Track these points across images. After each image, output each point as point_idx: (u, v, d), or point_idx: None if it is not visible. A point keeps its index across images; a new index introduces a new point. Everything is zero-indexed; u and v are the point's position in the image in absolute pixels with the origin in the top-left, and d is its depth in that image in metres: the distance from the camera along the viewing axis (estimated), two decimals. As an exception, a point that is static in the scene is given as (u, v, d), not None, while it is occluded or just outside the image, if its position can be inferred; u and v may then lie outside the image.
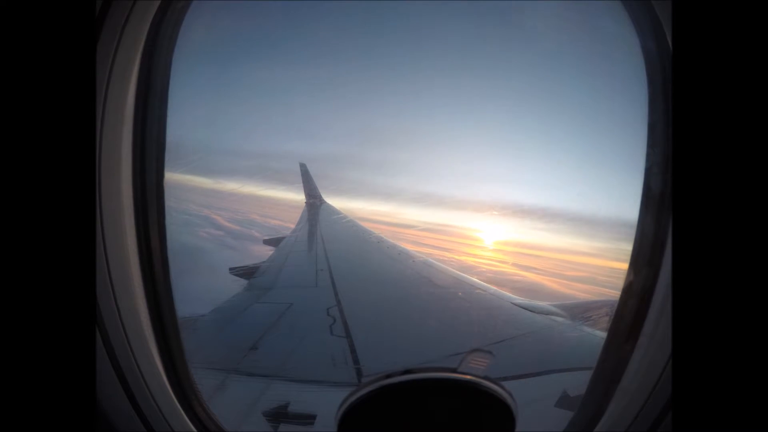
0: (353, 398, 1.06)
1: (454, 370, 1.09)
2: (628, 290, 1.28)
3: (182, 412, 1.25)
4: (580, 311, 5.19)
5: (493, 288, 6.73)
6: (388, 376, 1.07)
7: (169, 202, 1.24)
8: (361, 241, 11.05)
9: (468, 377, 1.08)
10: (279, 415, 2.90)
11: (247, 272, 7.74)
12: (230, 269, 8.01)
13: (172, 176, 1.26)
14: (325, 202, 16.52)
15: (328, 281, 6.68)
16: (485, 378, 1.08)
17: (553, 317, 5.18)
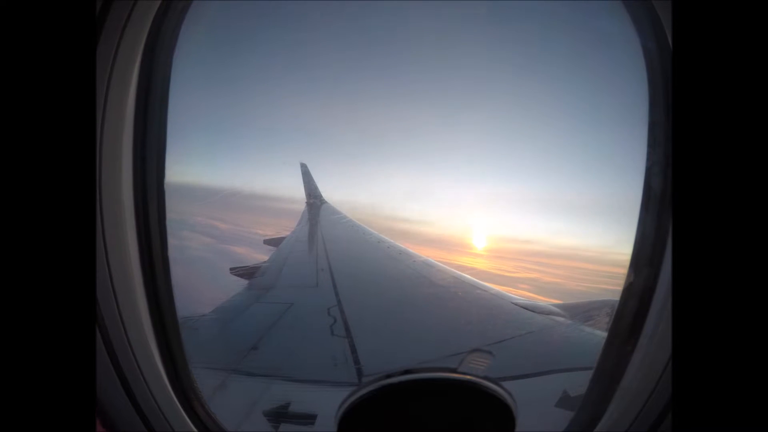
0: (353, 398, 1.06)
1: (454, 370, 1.09)
2: (628, 290, 1.28)
3: (182, 412, 1.25)
4: (580, 311, 5.18)
5: (493, 288, 6.72)
6: (388, 376, 1.07)
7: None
8: (361, 241, 11.05)
9: (468, 377, 1.08)
10: (279, 414, 2.90)
11: (247, 272, 7.74)
12: (231, 269, 8.01)
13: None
14: (326, 202, 16.51)
15: (329, 281, 6.68)
16: (485, 378, 1.08)
17: (553, 317, 5.17)
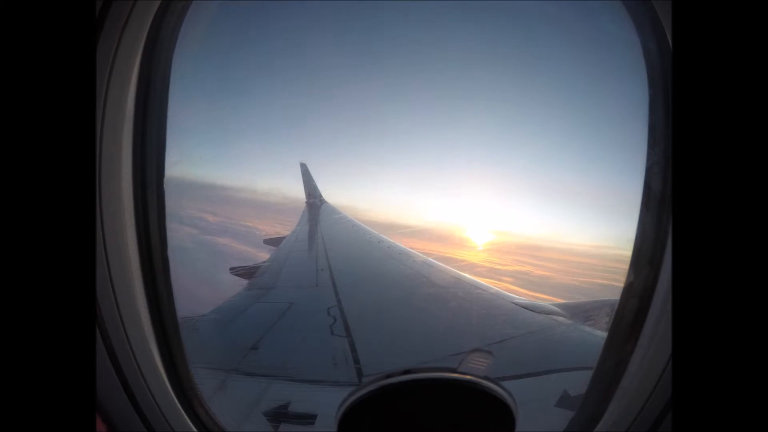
0: (353, 398, 1.06)
1: (454, 370, 1.09)
2: (628, 290, 1.28)
3: (182, 412, 1.25)
4: (580, 311, 5.19)
5: (493, 288, 6.73)
6: (388, 376, 1.07)
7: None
8: (361, 241, 11.05)
9: (468, 377, 1.08)
10: (279, 414, 2.91)
11: (247, 272, 7.75)
12: (231, 269, 8.02)
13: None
14: (326, 202, 16.52)
15: (329, 281, 6.68)
16: (485, 378, 1.08)
17: (553, 317, 5.18)
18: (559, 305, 5.58)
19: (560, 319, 5.13)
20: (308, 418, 2.85)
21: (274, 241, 11.54)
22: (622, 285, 1.30)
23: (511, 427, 1.08)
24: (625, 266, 1.29)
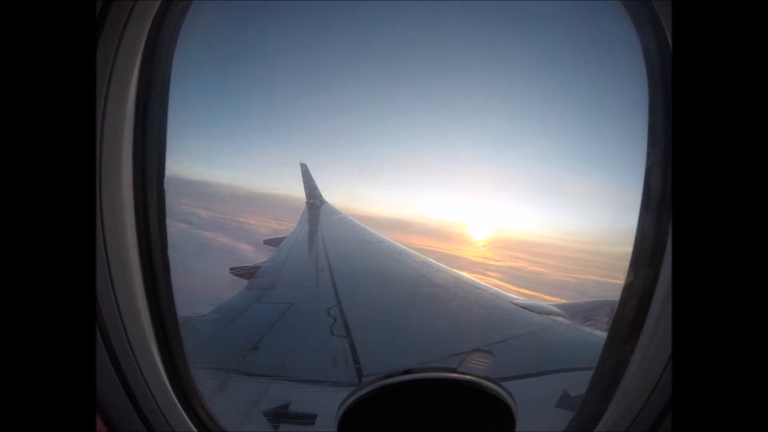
0: (353, 398, 1.06)
1: (454, 370, 1.09)
2: (628, 290, 1.28)
3: (182, 412, 1.25)
4: (580, 311, 5.19)
5: (493, 288, 6.73)
6: (388, 376, 1.07)
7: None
8: (361, 241, 11.06)
9: (468, 377, 1.08)
10: (279, 414, 2.91)
11: (247, 272, 7.75)
12: (231, 269, 8.03)
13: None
14: (326, 202, 16.54)
15: (329, 281, 6.69)
16: (485, 378, 1.08)
17: (553, 317, 5.18)
18: (558, 305, 5.59)
19: (560, 319, 5.13)
20: (308, 418, 2.86)
21: (274, 242, 11.56)
22: (614, 281, 1.30)
23: (511, 427, 1.08)
24: (621, 263, 1.29)
